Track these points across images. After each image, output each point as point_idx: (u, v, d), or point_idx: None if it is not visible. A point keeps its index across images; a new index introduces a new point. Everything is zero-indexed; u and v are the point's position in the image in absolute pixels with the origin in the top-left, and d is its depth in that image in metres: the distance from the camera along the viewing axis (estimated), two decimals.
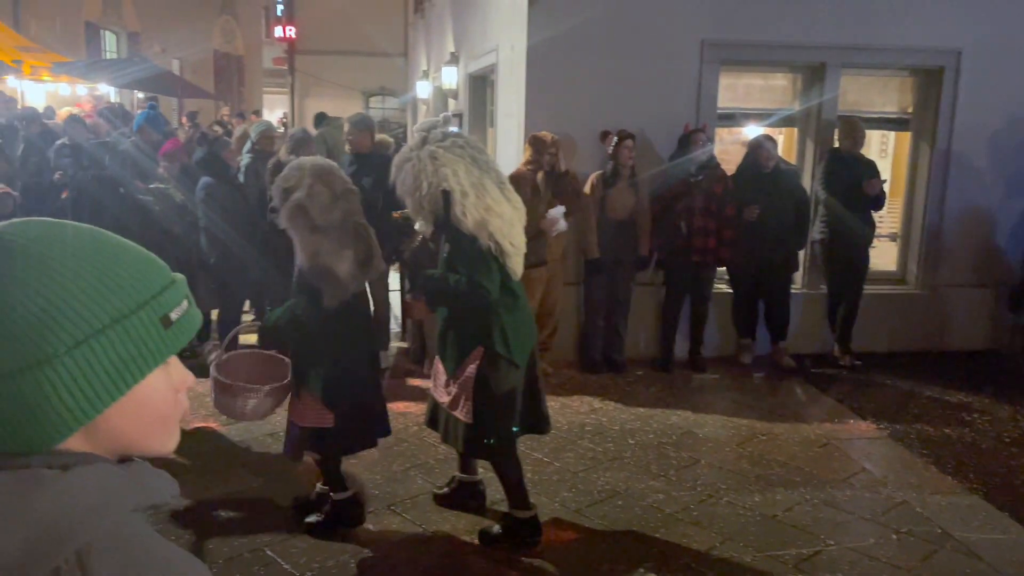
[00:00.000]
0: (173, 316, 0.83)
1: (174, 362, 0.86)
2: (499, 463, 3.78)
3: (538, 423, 3.89)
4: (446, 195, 3.38)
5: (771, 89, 7.65)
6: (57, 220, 0.85)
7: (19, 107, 10.77)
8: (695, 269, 6.18)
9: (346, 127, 6.09)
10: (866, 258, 6.53)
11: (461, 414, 3.63)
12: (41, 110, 10.43)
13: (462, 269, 3.44)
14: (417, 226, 5.73)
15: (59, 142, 6.18)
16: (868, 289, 6.60)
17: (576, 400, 5.72)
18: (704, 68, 6.44)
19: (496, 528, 3.82)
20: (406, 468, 4.60)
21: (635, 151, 6.04)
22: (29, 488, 0.72)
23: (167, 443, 0.86)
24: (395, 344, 6.79)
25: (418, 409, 5.35)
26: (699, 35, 6.36)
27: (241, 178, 6.24)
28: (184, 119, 15.27)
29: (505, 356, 3.53)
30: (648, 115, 6.32)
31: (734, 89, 6.99)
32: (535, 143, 5.80)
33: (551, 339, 6.20)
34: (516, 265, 3.57)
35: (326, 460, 3.77)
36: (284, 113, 21.50)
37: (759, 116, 7.10)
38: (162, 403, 0.85)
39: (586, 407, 5.59)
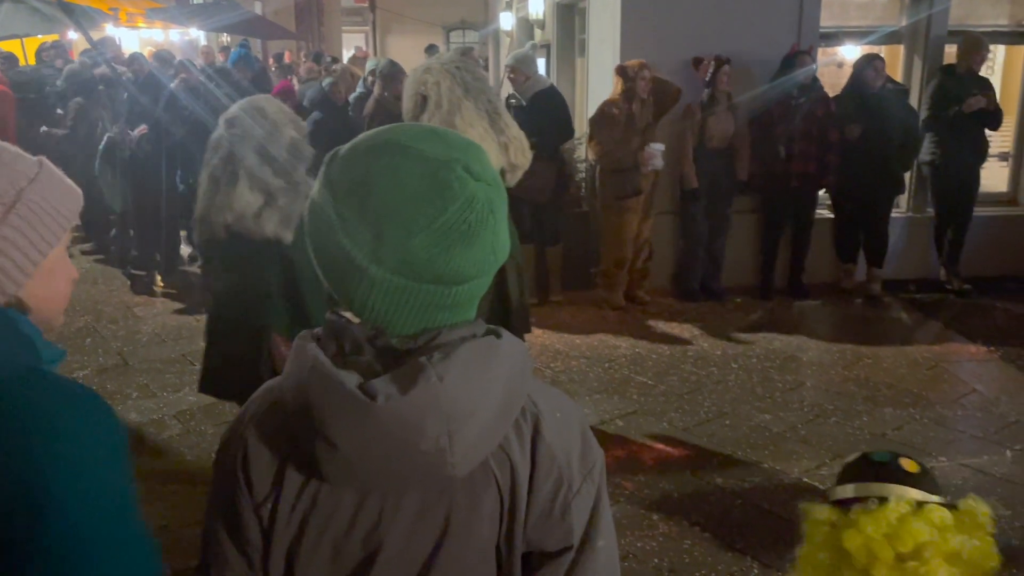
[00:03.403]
0: None
1: None
2: None
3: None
4: (425, 101, 3.54)
5: (872, 6, 7.36)
6: None
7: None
8: (795, 194, 6.10)
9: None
10: (977, 180, 6.31)
11: None
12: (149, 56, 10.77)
13: None
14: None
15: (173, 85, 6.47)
16: (978, 211, 6.40)
17: (676, 327, 5.80)
18: None
19: None
20: None
21: (732, 76, 5.95)
22: (494, 353, 0.97)
23: None
24: None
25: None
26: None
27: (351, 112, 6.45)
28: (272, 61, 15.53)
29: None
30: (747, 38, 6.17)
31: (830, 7, 6.74)
32: (622, 72, 5.79)
33: (647, 265, 6.26)
34: None
35: None
36: (357, 47, 21.51)
37: (859, 34, 6.86)
38: None
39: (687, 333, 5.67)
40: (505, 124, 3.70)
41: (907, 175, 6.47)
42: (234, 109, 3.08)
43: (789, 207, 6.19)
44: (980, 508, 1.38)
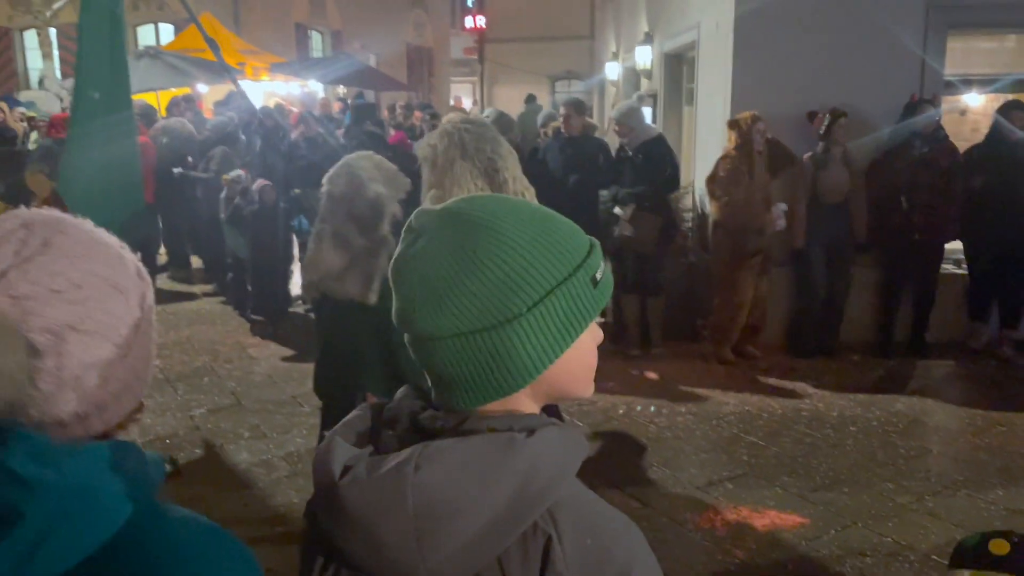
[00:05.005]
0: (598, 276, 0.92)
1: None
2: None
3: None
4: (425, 163, 3.52)
5: (1000, 52, 7.03)
6: (503, 196, 0.98)
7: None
8: (918, 248, 5.81)
9: (561, 109, 6.26)
10: None
11: None
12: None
13: None
14: (616, 210, 5.85)
15: (295, 136, 6.78)
16: None
17: (789, 384, 5.57)
18: (929, 34, 6.01)
19: None
20: (619, 446, 4.67)
21: (848, 128, 5.77)
22: (507, 451, 0.84)
23: (589, 389, 0.97)
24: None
25: (621, 389, 5.46)
26: None
27: None
28: (386, 112, 16.14)
29: None
30: (865, 89, 5.98)
31: (953, 54, 6.47)
32: (735, 126, 5.70)
33: (759, 321, 6.06)
34: None
35: None
36: (456, 97, 22.31)
37: (986, 82, 6.56)
38: (589, 354, 0.95)
39: (801, 392, 5.44)
40: (504, 180, 3.59)
41: None
42: (334, 168, 3.17)
43: (911, 262, 5.89)
44: None
